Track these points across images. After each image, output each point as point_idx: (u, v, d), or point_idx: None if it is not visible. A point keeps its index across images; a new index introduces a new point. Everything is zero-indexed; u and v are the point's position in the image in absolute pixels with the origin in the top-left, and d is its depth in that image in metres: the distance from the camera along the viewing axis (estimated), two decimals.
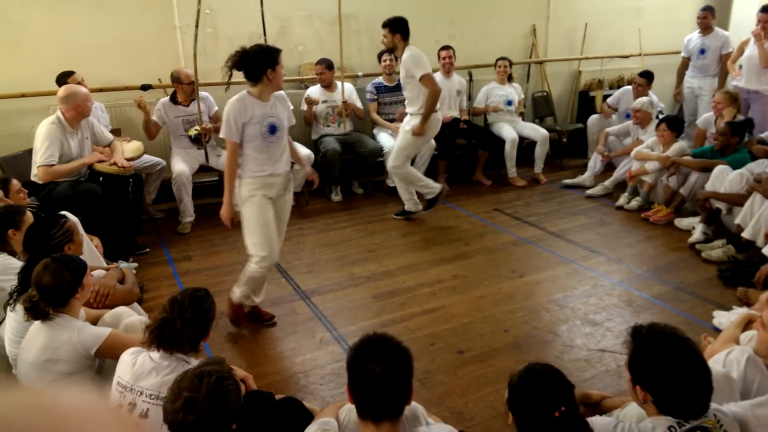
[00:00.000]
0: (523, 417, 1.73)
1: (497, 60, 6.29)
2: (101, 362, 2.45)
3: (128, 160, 4.45)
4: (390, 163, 5.00)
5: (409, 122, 4.80)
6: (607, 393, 2.49)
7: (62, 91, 4.13)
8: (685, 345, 1.70)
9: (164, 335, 2.03)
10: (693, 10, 7.11)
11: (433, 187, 5.00)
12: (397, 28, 4.60)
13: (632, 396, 1.82)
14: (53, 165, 4.06)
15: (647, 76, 6.14)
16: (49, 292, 2.26)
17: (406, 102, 4.90)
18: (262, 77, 3.16)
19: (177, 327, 2.03)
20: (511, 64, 6.29)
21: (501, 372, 2.96)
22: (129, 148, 4.65)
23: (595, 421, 1.88)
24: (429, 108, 4.66)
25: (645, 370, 1.73)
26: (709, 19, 6.47)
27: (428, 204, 5.10)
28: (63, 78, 4.57)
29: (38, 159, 4.05)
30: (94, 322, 2.59)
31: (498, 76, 6.32)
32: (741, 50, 6.07)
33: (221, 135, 3.22)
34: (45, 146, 4.02)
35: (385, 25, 4.65)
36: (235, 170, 3.25)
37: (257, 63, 3.15)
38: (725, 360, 2.16)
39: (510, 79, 6.40)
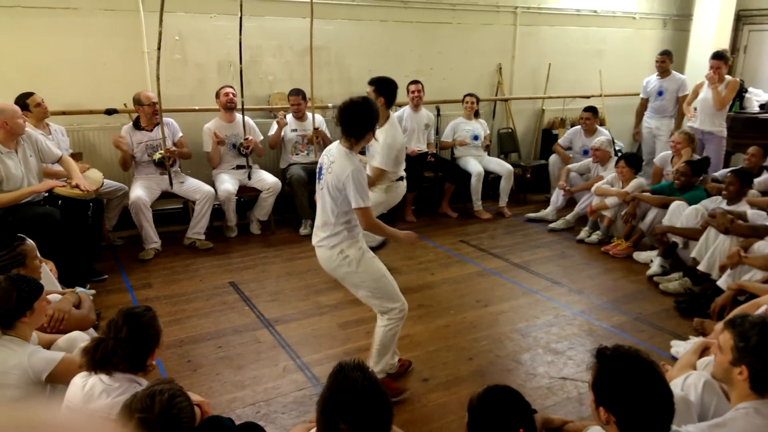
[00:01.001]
0: None
1: (465, 96, 6.44)
2: (52, 389, 2.37)
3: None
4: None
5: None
6: (569, 419, 2.50)
7: None
8: (650, 367, 1.72)
9: (97, 355, 1.97)
10: (651, 54, 7.41)
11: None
12: (383, 90, 4.01)
13: (595, 418, 1.83)
14: None
15: (591, 110, 6.38)
16: None
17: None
18: (364, 137, 2.83)
19: (109, 347, 1.97)
20: (478, 100, 6.43)
21: (464, 400, 2.90)
22: (90, 178, 4.55)
23: None
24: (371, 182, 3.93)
25: (609, 391, 1.74)
26: (667, 63, 6.74)
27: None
28: (21, 99, 4.46)
29: None
30: (47, 346, 2.49)
31: (465, 111, 6.45)
32: (696, 93, 6.33)
33: (363, 204, 2.76)
34: None
35: (371, 83, 4.08)
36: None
37: (367, 124, 2.83)
38: (683, 384, 2.21)
39: (477, 115, 6.54)
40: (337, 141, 2.87)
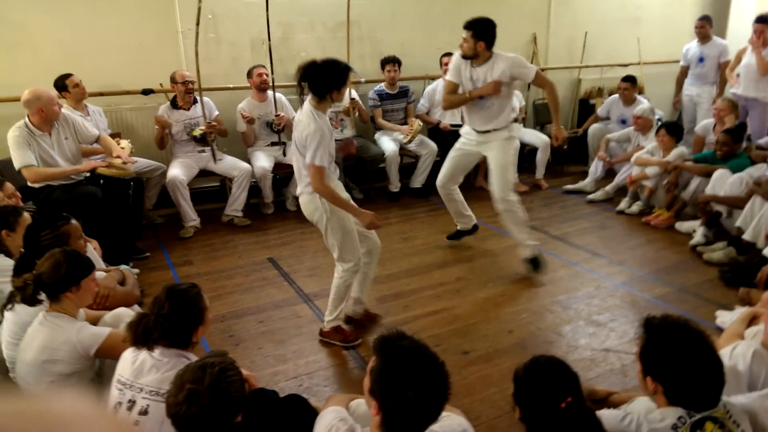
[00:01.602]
0: (529, 410, 1.72)
1: None
2: (101, 364, 2.43)
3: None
4: (502, 195, 4.05)
5: (501, 137, 4.05)
6: (614, 390, 2.48)
7: (25, 95, 3.99)
8: (699, 336, 1.69)
9: (138, 330, 2.00)
10: (691, 20, 7.16)
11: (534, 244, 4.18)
12: (482, 33, 3.83)
13: (642, 387, 1.81)
14: (33, 165, 4.01)
15: (630, 80, 6.19)
16: (42, 280, 2.24)
17: (476, 116, 4.09)
18: (327, 96, 2.99)
19: (150, 322, 1.99)
20: None
21: (506, 372, 2.94)
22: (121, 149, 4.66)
23: (603, 414, 1.87)
24: (556, 105, 4.20)
25: (657, 360, 1.72)
26: (706, 28, 6.52)
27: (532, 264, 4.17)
28: (60, 81, 4.57)
29: (16, 164, 4.01)
30: (94, 323, 2.55)
31: None
32: (739, 59, 6.11)
33: (316, 162, 2.92)
34: (16, 152, 3.99)
35: (467, 27, 3.86)
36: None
37: (327, 82, 2.97)
38: (731, 354, 2.16)
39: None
40: (308, 98, 3.02)
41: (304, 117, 2.97)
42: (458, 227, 4.67)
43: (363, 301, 3.50)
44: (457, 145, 4.35)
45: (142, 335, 2.00)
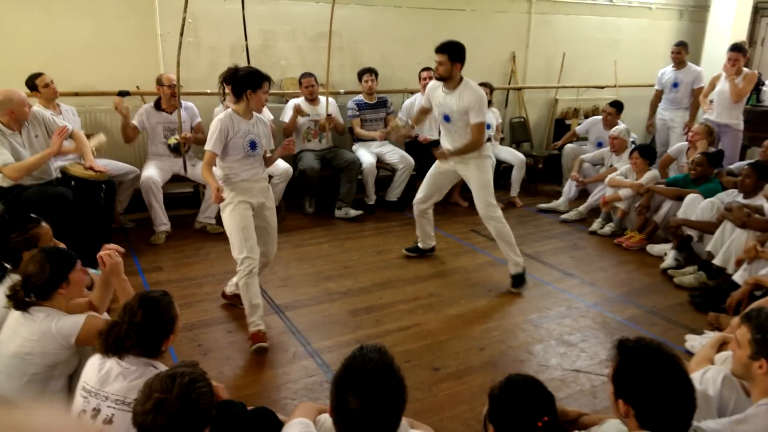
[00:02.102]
0: (504, 429, 1.70)
1: (478, 84, 6.33)
2: (80, 358, 2.39)
3: (95, 149, 4.48)
4: (487, 212, 4.14)
5: (475, 156, 4.10)
6: (584, 411, 2.48)
7: None
8: (672, 360, 1.70)
9: (110, 339, 1.97)
10: (666, 45, 7.32)
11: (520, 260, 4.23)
12: (457, 56, 3.91)
13: (614, 410, 1.81)
14: (11, 163, 3.90)
15: (617, 106, 6.29)
16: (30, 283, 2.24)
17: (448, 139, 4.18)
18: (242, 95, 3.30)
19: (123, 330, 1.96)
20: (492, 90, 6.35)
21: (476, 390, 2.94)
22: (93, 143, 4.58)
23: None
24: (465, 150, 4.07)
25: (630, 383, 1.72)
26: (682, 54, 6.65)
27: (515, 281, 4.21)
28: (31, 80, 4.48)
29: None
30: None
31: None
32: (713, 85, 6.24)
33: (206, 147, 3.28)
34: None
35: (441, 50, 3.90)
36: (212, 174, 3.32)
37: (241, 82, 3.29)
38: (702, 378, 2.18)
39: (489, 104, 6.46)
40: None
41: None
42: (420, 245, 4.72)
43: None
44: (436, 164, 4.39)
45: (114, 344, 1.97)
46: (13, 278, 2.39)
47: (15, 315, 2.28)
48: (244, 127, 3.30)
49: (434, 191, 4.47)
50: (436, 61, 3.95)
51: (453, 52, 3.89)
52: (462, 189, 6.28)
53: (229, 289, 3.75)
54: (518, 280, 4.15)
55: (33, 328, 2.21)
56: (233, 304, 3.74)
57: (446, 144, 4.19)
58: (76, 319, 2.27)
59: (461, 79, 3.98)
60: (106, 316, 2.81)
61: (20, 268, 2.28)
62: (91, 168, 4.20)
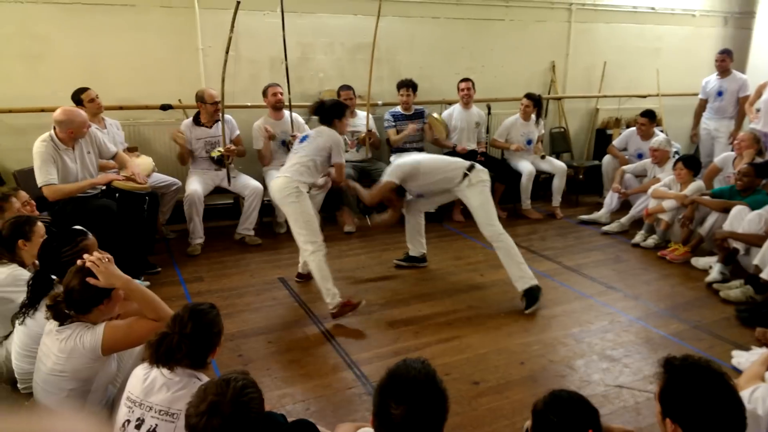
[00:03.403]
0: None
1: (522, 97, 6.22)
2: (118, 367, 2.43)
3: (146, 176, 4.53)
4: (491, 231, 4.13)
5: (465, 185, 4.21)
6: (629, 428, 2.42)
7: (59, 114, 3.99)
8: (721, 379, 1.66)
9: (161, 350, 1.99)
10: (710, 53, 7.16)
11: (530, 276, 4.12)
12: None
13: (661, 430, 1.76)
14: (54, 184, 4.00)
15: (648, 116, 6.14)
16: (73, 297, 2.25)
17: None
18: (332, 123, 4.03)
19: (174, 342, 1.99)
20: (536, 103, 6.15)
21: (517, 405, 2.90)
22: (140, 165, 4.68)
23: None
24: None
25: (677, 402, 1.68)
26: (727, 62, 6.50)
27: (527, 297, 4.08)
28: (76, 95, 4.60)
29: (38, 180, 4.00)
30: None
31: (521, 112, 6.27)
32: (759, 93, 6.09)
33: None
34: (39, 167, 3.97)
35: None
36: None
37: (329, 113, 4.03)
38: (750, 397, 2.11)
39: (539, 115, 6.35)
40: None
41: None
42: (410, 252, 4.80)
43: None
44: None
45: (165, 354, 2.00)
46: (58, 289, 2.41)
47: (48, 330, 2.29)
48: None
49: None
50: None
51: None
52: (500, 200, 6.24)
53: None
54: (531, 296, 3.98)
55: (61, 346, 2.22)
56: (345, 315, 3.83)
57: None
58: (97, 330, 2.26)
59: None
60: None
61: (64, 280, 2.29)
62: (132, 179, 4.30)
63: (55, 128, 4.05)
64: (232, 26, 4.57)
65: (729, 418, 1.62)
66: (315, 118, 4.14)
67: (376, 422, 1.65)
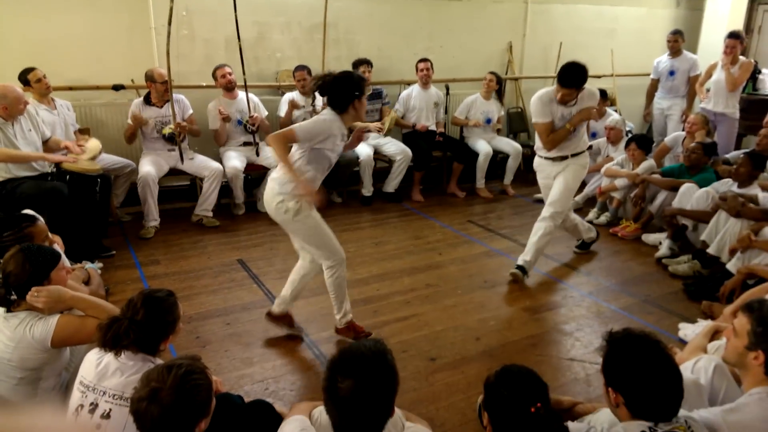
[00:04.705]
0: (499, 415, 1.73)
1: (487, 74, 6.32)
2: (71, 356, 2.39)
3: (92, 158, 4.47)
4: (554, 209, 4.18)
5: (578, 162, 4.14)
6: (578, 399, 2.51)
7: None
8: (657, 347, 1.74)
9: (108, 334, 1.96)
10: (663, 34, 7.30)
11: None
12: (581, 83, 3.87)
13: (606, 400, 1.84)
14: None
15: (601, 95, 6.23)
16: (10, 281, 2.20)
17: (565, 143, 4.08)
18: (349, 106, 3.02)
19: (122, 327, 1.96)
20: (499, 81, 6.31)
21: (472, 379, 2.96)
22: (88, 147, 4.58)
23: (567, 426, 1.88)
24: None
25: (617, 372, 1.77)
26: (679, 42, 6.64)
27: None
28: (23, 75, 4.47)
29: None
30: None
31: (483, 89, 6.34)
32: (709, 74, 6.25)
33: (300, 137, 2.92)
34: None
35: (571, 85, 3.81)
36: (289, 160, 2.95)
37: (347, 90, 3.01)
38: (693, 367, 2.20)
39: (499, 93, 6.43)
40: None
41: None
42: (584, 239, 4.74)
43: (288, 303, 3.39)
44: (542, 182, 4.41)
45: (111, 339, 1.96)
46: None
47: None
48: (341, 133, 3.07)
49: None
50: (563, 92, 3.86)
51: (579, 83, 3.84)
52: (459, 179, 6.31)
53: (279, 308, 3.38)
54: (523, 270, 4.15)
55: (9, 335, 2.18)
56: (281, 325, 3.40)
57: (554, 153, 4.13)
58: (49, 321, 2.22)
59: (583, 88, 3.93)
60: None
61: (0, 265, 2.24)
62: (66, 148, 4.30)
63: None
64: None
65: (666, 385, 1.70)
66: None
67: (325, 396, 1.66)
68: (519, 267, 4.16)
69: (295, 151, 3.01)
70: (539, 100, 4.01)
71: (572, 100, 3.93)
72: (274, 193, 3.00)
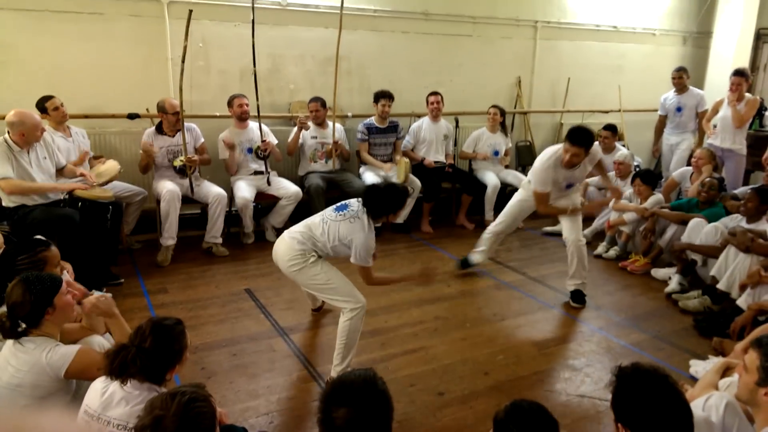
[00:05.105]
0: None
1: (490, 107, 6.40)
2: (77, 386, 2.37)
3: (106, 182, 4.54)
4: (575, 237, 4.31)
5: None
6: None
7: (11, 116, 3.97)
8: (666, 382, 1.73)
9: (115, 362, 1.95)
10: (670, 71, 7.36)
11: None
12: (589, 144, 4.10)
13: None
14: (11, 177, 3.95)
15: (611, 129, 6.30)
16: (15, 312, 2.20)
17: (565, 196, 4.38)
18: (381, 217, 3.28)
19: (130, 355, 1.95)
20: (502, 113, 6.39)
21: (481, 415, 2.93)
22: (105, 169, 4.65)
23: None
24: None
25: (627, 407, 1.75)
26: (684, 79, 6.70)
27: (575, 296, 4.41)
28: (41, 102, 4.54)
29: None
30: (77, 338, 2.52)
31: (489, 123, 6.41)
32: (715, 110, 6.29)
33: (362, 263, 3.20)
34: None
35: (579, 144, 4.03)
36: None
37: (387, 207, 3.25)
38: (704, 405, 2.17)
39: (503, 126, 6.51)
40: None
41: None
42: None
43: None
44: (519, 196, 4.62)
45: (118, 367, 1.95)
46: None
47: (8, 344, 2.24)
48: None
49: (517, 220, 4.75)
50: (571, 152, 4.04)
51: (587, 143, 4.05)
52: (468, 211, 6.32)
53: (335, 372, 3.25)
54: (577, 297, 4.35)
55: (23, 359, 2.17)
56: None
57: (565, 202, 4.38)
58: (68, 350, 2.22)
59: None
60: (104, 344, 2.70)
61: (4, 297, 2.23)
62: (83, 175, 4.31)
63: (8, 132, 4.00)
64: (186, 35, 4.53)
65: (675, 420, 1.68)
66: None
67: (321, 430, 1.64)
68: (573, 293, 4.38)
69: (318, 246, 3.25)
70: (544, 167, 4.20)
71: (580, 162, 4.13)
72: (290, 249, 3.23)
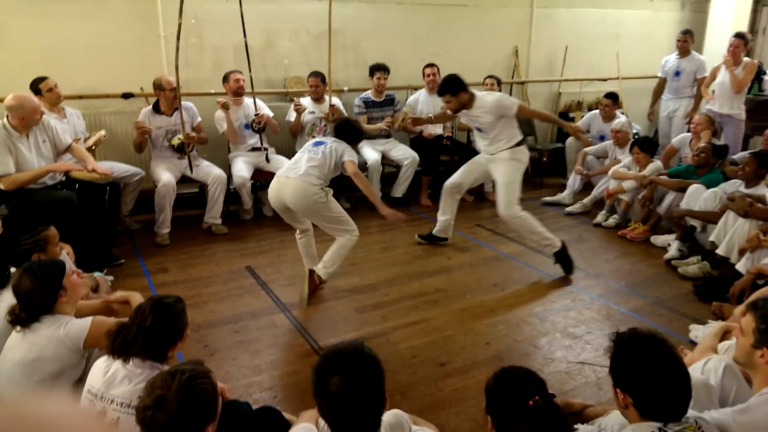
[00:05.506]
0: (499, 415, 1.73)
1: (485, 78, 6.35)
2: (86, 365, 2.41)
3: (93, 146, 4.61)
4: (506, 210, 4.31)
5: (506, 156, 4.35)
6: (589, 403, 2.50)
7: (10, 100, 3.95)
8: (663, 346, 1.74)
9: (117, 341, 1.97)
10: (668, 37, 7.33)
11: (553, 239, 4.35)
12: (457, 89, 4.22)
13: (615, 402, 1.83)
14: (11, 174, 3.95)
15: (612, 97, 6.28)
16: (31, 301, 2.23)
17: (487, 142, 4.42)
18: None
19: (131, 334, 1.97)
20: (499, 82, 6.33)
21: (482, 385, 2.87)
22: (93, 138, 4.69)
23: (577, 429, 1.88)
24: (551, 119, 5.11)
25: (625, 372, 1.77)
26: (688, 42, 6.64)
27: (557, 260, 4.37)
28: (35, 84, 4.50)
29: None
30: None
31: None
32: (714, 76, 6.24)
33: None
34: None
35: (442, 93, 4.27)
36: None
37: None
38: (703, 368, 2.19)
39: None
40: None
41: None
42: (434, 231, 4.89)
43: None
44: (476, 157, 4.72)
45: (120, 346, 1.97)
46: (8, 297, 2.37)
47: (16, 332, 2.28)
48: None
49: (467, 180, 4.78)
50: (444, 102, 4.34)
51: (453, 90, 4.25)
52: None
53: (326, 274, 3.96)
54: (561, 257, 4.32)
55: (41, 333, 2.21)
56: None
57: (482, 148, 4.59)
58: (84, 322, 2.28)
59: (472, 97, 4.29)
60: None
61: (13, 290, 2.26)
62: (94, 170, 4.23)
63: (7, 116, 3.97)
64: (181, 12, 4.46)
65: (673, 384, 1.70)
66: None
67: (318, 402, 1.65)
68: (556, 255, 4.34)
69: (325, 173, 3.78)
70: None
71: (455, 107, 4.32)
72: (311, 186, 3.68)
